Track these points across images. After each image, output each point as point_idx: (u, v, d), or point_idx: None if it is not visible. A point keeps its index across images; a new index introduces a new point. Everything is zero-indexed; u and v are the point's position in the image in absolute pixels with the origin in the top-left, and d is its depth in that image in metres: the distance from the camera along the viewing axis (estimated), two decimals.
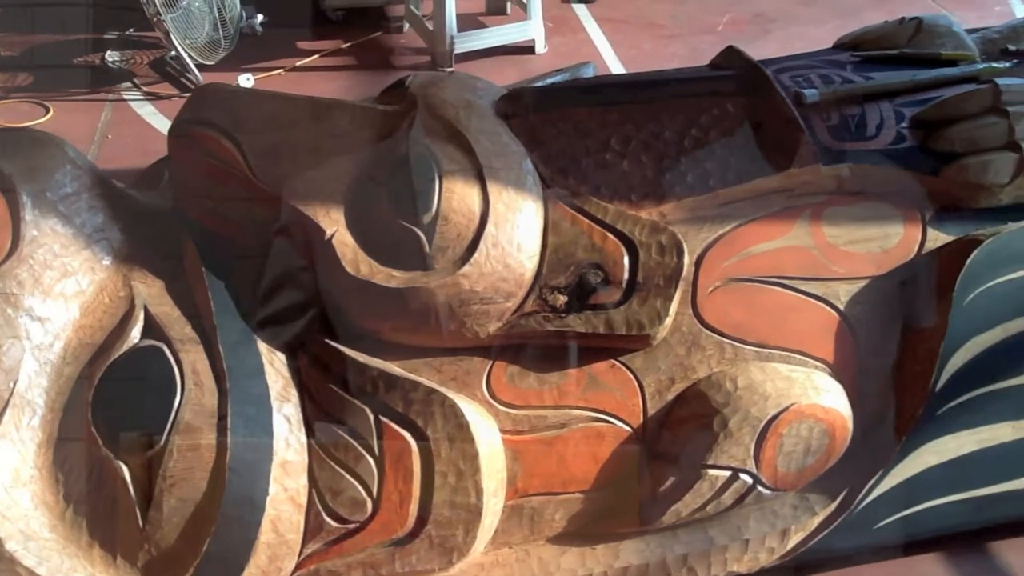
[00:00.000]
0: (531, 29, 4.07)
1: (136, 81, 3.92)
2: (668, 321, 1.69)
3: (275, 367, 1.68)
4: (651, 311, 1.68)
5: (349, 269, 1.66)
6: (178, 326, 1.68)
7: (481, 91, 1.88)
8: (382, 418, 1.63)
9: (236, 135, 1.75)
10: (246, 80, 3.88)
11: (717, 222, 1.79)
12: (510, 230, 1.68)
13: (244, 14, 4.23)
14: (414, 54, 4.16)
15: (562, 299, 1.70)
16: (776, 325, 1.76)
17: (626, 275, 1.70)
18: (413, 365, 1.71)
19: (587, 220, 1.73)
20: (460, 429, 1.62)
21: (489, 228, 1.66)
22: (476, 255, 1.65)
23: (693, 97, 1.90)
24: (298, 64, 4.09)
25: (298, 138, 1.78)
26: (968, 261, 1.71)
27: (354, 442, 1.63)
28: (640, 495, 1.74)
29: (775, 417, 1.69)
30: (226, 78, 3.91)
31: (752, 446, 1.69)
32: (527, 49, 4.14)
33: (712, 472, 1.70)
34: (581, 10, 4.59)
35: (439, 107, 1.78)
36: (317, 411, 1.66)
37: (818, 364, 1.77)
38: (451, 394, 1.64)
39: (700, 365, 1.74)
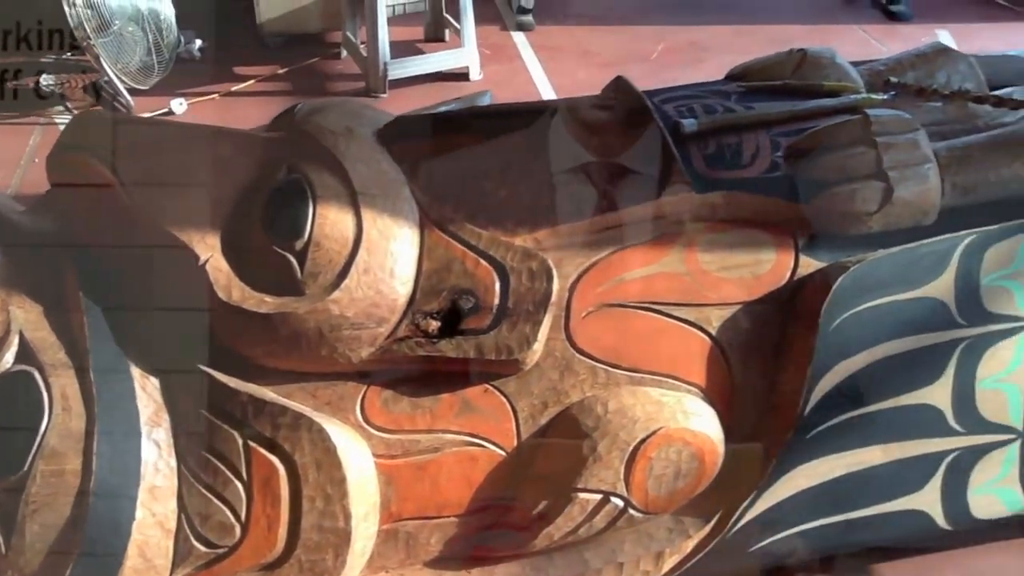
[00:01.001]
0: (465, 56, 4.12)
1: (69, 105, 3.92)
2: (537, 346, 1.71)
3: (147, 392, 1.69)
4: (520, 336, 1.70)
5: (221, 294, 1.67)
6: (52, 351, 1.69)
7: (366, 118, 1.91)
8: (251, 443, 1.64)
9: (113, 161, 1.77)
10: (179, 105, 3.90)
11: (592, 249, 1.82)
12: (382, 256, 1.70)
13: (182, 39, 4.25)
14: (350, 80, 4.20)
15: (434, 324, 1.72)
16: (649, 350, 1.79)
17: (497, 300, 1.73)
18: (288, 390, 1.73)
19: (461, 247, 1.76)
20: (328, 454, 1.63)
21: (361, 254, 1.69)
22: (347, 281, 1.67)
23: (573, 126, 1.93)
24: (233, 89, 4.11)
25: (176, 165, 1.80)
26: (834, 287, 1.75)
27: (223, 467, 1.64)
28: (514, 519, 1.76)
29: (643, 441, 1.71)
30: (159, 103, 3.93)
31: (622, 469, 1.72)
32: (462, 76, 4.18)
33: (583, 496, 1.72)
34: (520, 38, 4.65)
35: (319, 134, 1.81)
36: (188, 436, 1.67)
37: (690, 388, 1.80)
38: (319, 419, 1.65)
39: (573, 389, 1.77)
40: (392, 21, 4.61)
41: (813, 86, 2.12)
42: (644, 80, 2.20)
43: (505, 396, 1.75)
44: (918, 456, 1.86)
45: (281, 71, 4.26)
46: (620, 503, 1.73)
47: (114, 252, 1.82)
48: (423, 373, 1.75)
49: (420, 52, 4.36)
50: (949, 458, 1.87)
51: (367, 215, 1.71)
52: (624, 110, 1.98)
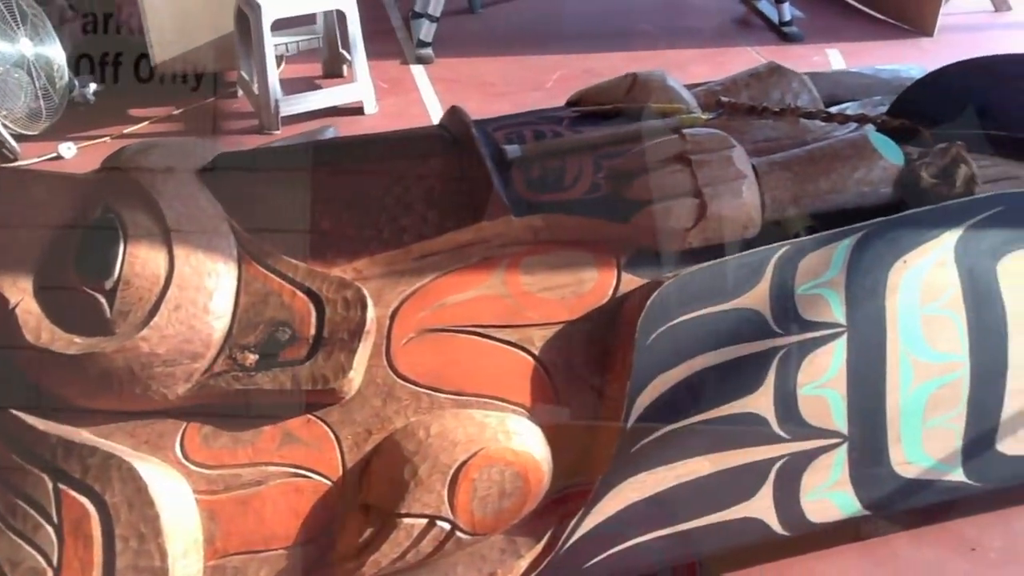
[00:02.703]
0: (358, 91, 4.16)
1: None
2: (353, 374, 1.72)
3: None
4: (335, 365, 1.72)
5: (29, 337, 1.67)
6: None
7: (193, 156, 1.93)
8: (60, 485, 1.63)
9: None
10: (67, 149, 3.88)
11: (414, 276, 1.85)
12: (195, 292, 1.71)
13: (76, 83, 4.24)
14: (243, 119, 4.21)
15: (251, 357, 1.73)
16: (472, 372, 1.82)
17: (313, 331, 1.74)
18: (106, 430, 1.72)
19: (279, 279, 1.78)
20: (139, 492, 1.63)
21: (172, 291, 1.70)
22: (156, 318, 1.68)
23: (400, 157, 1.97)
24: (126, 131, 4.10)
25: None
26: (648, 302, 1.78)
27: (32, 511, 1.63)
28: (342, 547, 1.76)
29: (465, 462, 1.73)
30: (47, 148, 3.92)
31: (445, 492, 1.73)
32: (357, 110, 4.22)
33: (407, 521, 1.72)
34: (418, 71, 4.70)
35: (138, 173, 1.82)
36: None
37: (516, 408, 1.82)
38: (130, 457, 1.65)
39: (397, 416, 1.78)
40: (289, 59, 4.68)
41: (642, 108, 2.17)
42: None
43: (328, 425, 1.76)
44: (747, 464, 1.89)
45: (176, 112, 4.27)
46: (446, 526, 1.74)
47: None
48: (243, 407, 1.75)
49: (318, 88, 4.38)
50: (778, 465, 1.90)
51: (180, 252, 1.72)
52: (453, 138, 2.02)
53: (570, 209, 1.92)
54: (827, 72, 2.63)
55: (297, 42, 4.31)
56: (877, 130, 2.23)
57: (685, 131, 1.97)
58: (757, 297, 1.84)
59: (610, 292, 1.89)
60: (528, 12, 5.50)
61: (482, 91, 4.49)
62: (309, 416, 1.76)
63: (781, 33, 5.08)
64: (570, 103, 2.32)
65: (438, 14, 4.75)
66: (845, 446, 1.93)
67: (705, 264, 1.84)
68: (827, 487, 1.95)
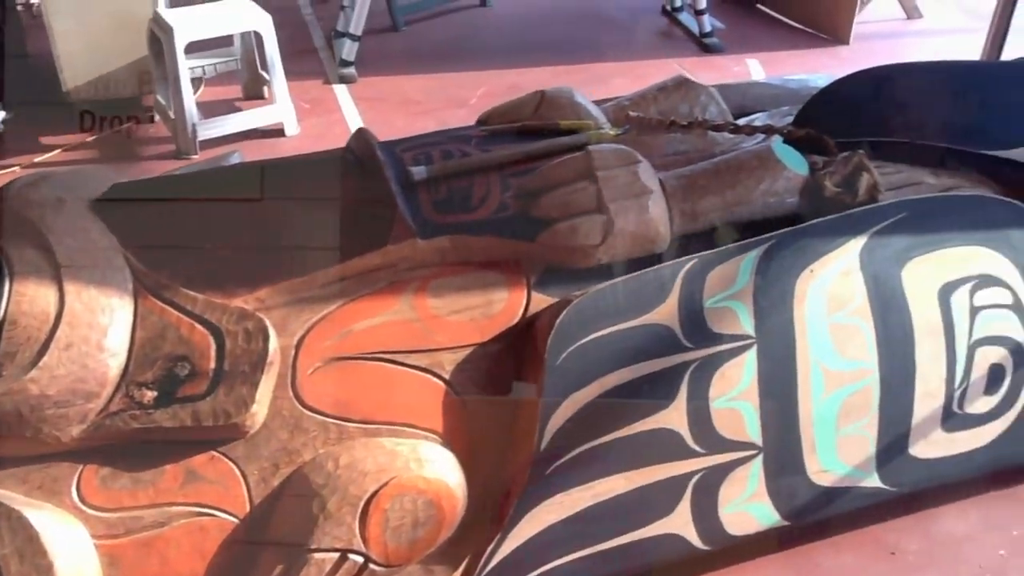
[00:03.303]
0: (278, 112, 4.09)
1: None
2: (256, 408, 1.68)
3: None
4: (237, 399, 1.67)
5: None
6: None
7: (85, 188, 1.87)
8: None
9: None
10: None
11: (319, 303, 1.81)
12: (87, 330, 1.65)
13: None
14: (161, 143, 4.11)
15: (149, 395, 1.68)
16: (381, 400, 1.78)
17: (213, 365, 1.69)
18: None
19: (176, 312, 1.73)
20: (30, 541, 1.56)
21: (62, 329, 1.64)
22: (46, 358, 1.62)
23: (304, 182, 1.93)
24: (36, 160, 3.98)
25: None
26: (557, 322, 1.77)
27: None
28: None
29: (375, 493, 1.69)
30: None
31: (356, 525, 1.69)
32: (278, 132, 4.15)
33: (318, 555, 1.68)
34: (341, 90, 4.65)
35: (25, 208, 1.76)
36: None
37: (428, 435, 1.79)
38: (19, 505, 1.58)
39: (305, 448, 1.74)
40: (209, 81, 4.60)
41: (550, 125, 2.16)
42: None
43: (233, 461, 1.72)
44: (663, 480, 1.88)
45: (91, 138, 4.16)
46: (359, 559, 1.70)
47: None
48: (143, 446, 1.69)
49: (238, 110, 4.31)
50: (694, 479, 1.90)
51: (71, 288, 1.66)
52: (358, 161, 1.99)
53: (477, 229, 1.90)
54: (736, 83, 2.65)
55: (214, 64, 4.23)
56: (784, 141, 2.25)
57: (591, 147, 1.96)
58: (666, 312, 1.84)
59: (520, 312, 1.87)
60: (452, 29, 5.49)
61: (406, 109, 4.46)
62: (213, 452, 1.71)
63: (702, 45, 5.13)
64: (480, 122, 2.31)
65: (360, 33, 4.71)
66: (760, 457, 1.93)
67: (613, 281, 1.83)
68: (745, 499, 1.95)
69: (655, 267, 1.86)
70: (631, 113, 2.24)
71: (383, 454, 1.73)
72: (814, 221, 1.96)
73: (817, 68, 4.73)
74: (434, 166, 1.96)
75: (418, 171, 1.95)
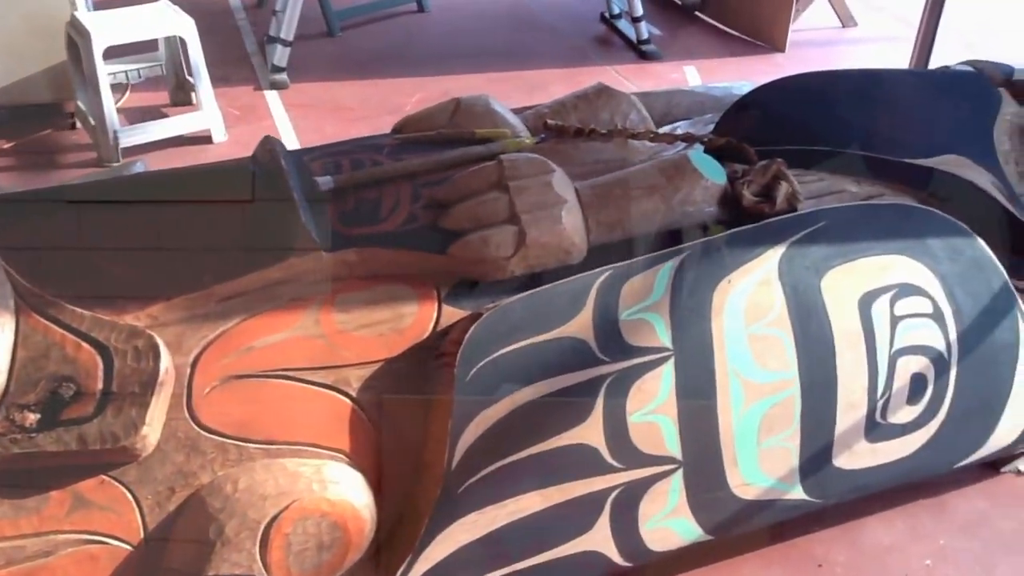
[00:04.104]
0: (205, 119, 3.99)
1: None
2: (147, 430, 1.59)
3: None
4: (126, 421, 1.58)
5: None
6: None
7: None
8: None
9: None
10: None
11: (218, 319, 1.73)
12: None
13: None
14: (82, 151, 3.98)
15: (32, 417, 1.58)
16: (283, 420, 1.71)
17: (100, 385, 1.60)
18: None
19: (61, 331, 1.63)
20: None
21: None
22: None
23: (205, 192, 1.85)
24: None
25: None
26: (466, 336, 1.71)
27: None
28: None
29: (276, 517, 1.62)
30: None
31: (256, 550, 1.61)
32: (205, 139, 4.04)
33: None
34: (272, 96, 4.56)
35: None
36: None
37: (334, 454, 1.72)
38: None
39: (202, 471, 1.66)
40: (136, 87, 4.48)
41: (465, 134, 2.11)
42: None
43: (124, 486, 1.63)
44: (581, 497, 1.83)
45: (7, 146, 4.01)
46: None
47: None
48: (26, 472, 1.59)
49: (164, 117, 4.19)
50: (613, 495, 1.85)
51: None
52: (263, 170, 1.91)
53: (386, 241, 1.83)
54: (660, 91, 2.62)
55: (138, 69, 4.11)
56: (704, 149, 2.22)
57: (503, 157, 1.91)
58: (580, 325, 1.79)
59: (431, 326, 1.81)
60: (388, 35, 5.41)
61: (338, 115, 4.37)
62: (103, 477, 1.62)
63: (640, 52, 5.12)
64: (395, 130, 2.24)
65: (291, 38, 4.61)
66: (681, 472, 1.89)
67: (525, 294, 1.78)
68: (666, 514, 1.91)
69: (569, 279, 1.81)
70: (549, 121, 2.19)
71: (285, 476, 1.65)
72: (732, 231, 1.93)
73: (753, 75, 4.74)
74: (341, 176, 1.89)
75: (324, 181, 1.88)
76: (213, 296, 1.73)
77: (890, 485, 2.14)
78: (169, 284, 1.73)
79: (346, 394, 1.74)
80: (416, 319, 1.80)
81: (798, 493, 2.01)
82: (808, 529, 2.21)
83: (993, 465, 2.34)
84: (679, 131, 2.34)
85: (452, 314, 1.82)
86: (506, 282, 1.86)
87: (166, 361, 1.62)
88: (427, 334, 1.80)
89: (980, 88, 2.54)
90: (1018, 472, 2.36)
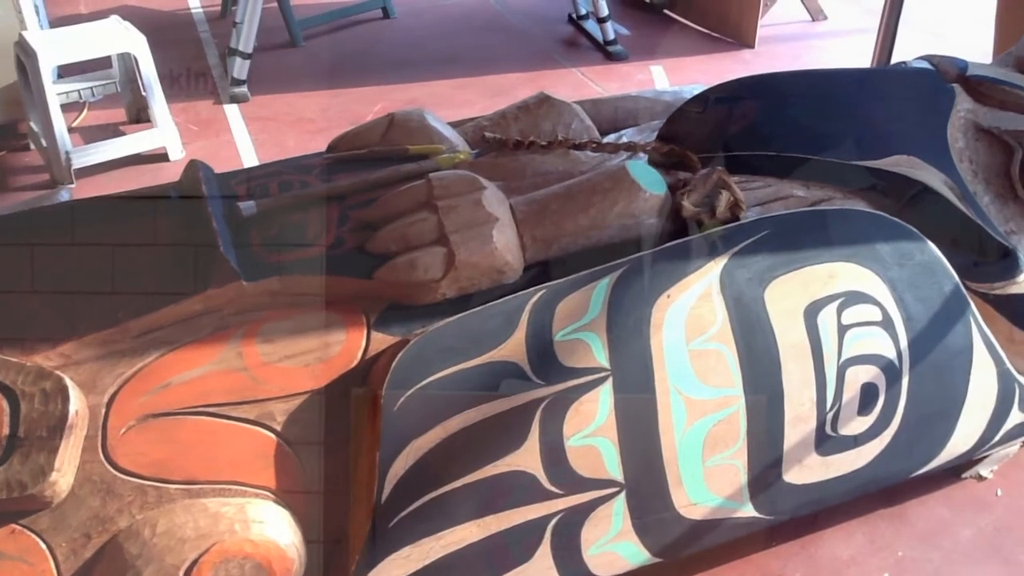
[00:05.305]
0: (160, 136, 3.92)
1: None
2: (56, 476, 1.53)
3: None
4: (34, 468, 1.52)
5: None
6: None
7: None
8: None
9: None
10: None
11: (134, 356, 1.67)
12: None
13: None
14: (35, 172, 3.91)
15: None
16: (204, 458, 1.65)
17: (6, 431, 1.54)
18: None
19: None
20: None
21: None
22: None
23: (122, 222, 1.79)
24: None
25: None
26: (393, 364, 1.65)
27: None
28: None
29: (196, 561, 1.56)
30: None
31: None
32: (162, 156, 3.98)
33: None
34: (232, 110, 4.49)
35: None
36: None
37: (258, 492, 1.66)
38: None
39: (120, 515, 1.60)
40: (94, 105, 4.41)
41: (398, 151, 2.05)
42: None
43: (37, 534, 1.57)
44: (520, 525, 1.77)
45: None
46: None
47: None
48: None
49: (122, 135, 4.12)
50: (553, 522, 1.79)
51: None
52: (184, 197, 1.85)
53: (311, 267, 1.78)
54: (608, 97, 2.56)
55: (91, 88, 4.04)
56: (650, 158, 2.17)
57: (432, 175, 1.85)
58: (513, 347, 1.74)
59: (359, 354, 1.75)
60: (353, 43, 5.35)
61: (299, 128, 4.31)
62: (13, 526, 1.56)
63: (606, 52, 5.07)
64: (329, 148, 2.18)
65: (250, 50, 4.55)
66: (623, 494, 1.83)
67: (454, 317, 1.72)
68: (610, 538, 1.85)
69: (501, 300, 1.76)
70: (487, 134, 2.13)
71: (205, 517, 1.59)
72: (670, 243, 1.88)
73: (722, 72, 4.70)
74: (263, 200, 1.83)
75: (247, 206, 1.82)
76: (129, 331, 1.67)
77: (846, 498, 2.08)
78: (82, 320, 1.67)
79: (270, 428, 1.68)
80: (344, 347, 1.74)
81: (748, 511, 1.95)
82: (765, 544, 2.16)
83: (954, 471, 2.30)
84: (624, 139, 2.28)
85: (382, 340, 1.76)
86: (439, 305, 1.81)
87: (76, 403, 1.56)
88: (356, 362, 1.74)
89: (934, 85, 2.48)
90: (979, 477, 2.31)
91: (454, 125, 2.25)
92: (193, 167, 1.92)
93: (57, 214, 1.79)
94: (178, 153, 4.00)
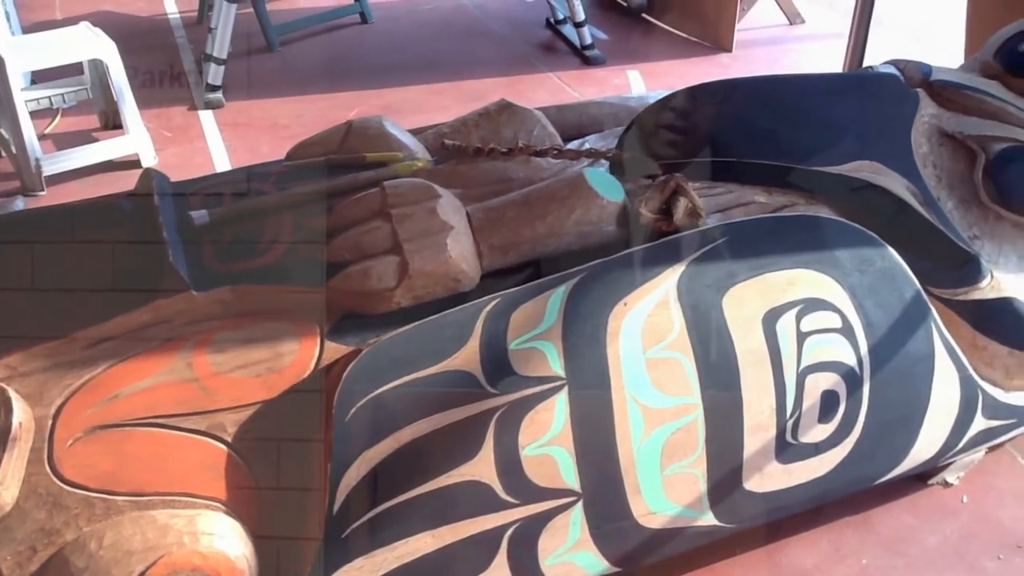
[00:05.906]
0: (132, 143, 3.90)
1: None
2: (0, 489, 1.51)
3: None
4: None
5: None
6: None
7: None
8: None
9: None
10: None
11: (82, 367, 1.65)
12: None
13: None
14: (6, 180, 3.89)
15: None
16: (153, 470, 1.63)
17: None
18: None
19: None
20: None
21: None
22: None
23: (72, 231, 1.77)
24: None
25: None
26: (344, 374, 1.64)
27: None
28: None
29: (143, 574, 1.54)
30: None
31: None
32: (135, 163, 3.96)
33: None
34: (207, 116, 4.47)
35: None
36: None
37: (209, 503, 1.65)
38: None
39: (66, 527, 1.58)
40: (68, 111, 4.39)
41: (356, 159, 2.03)
42: None
43: None
44: (474, 535, 1.76)
45: None
46: None
47: None
48: None
49: (94, 141, 4.10)
50: (509, 532, 1.78)
51: None
52: (136, 206, 1.83)
53: (263, 277, 1.76)
54: (574, 103, 2.55)
55: (63, 94, 4.02)
56: (610, 165, 2.16)
57: (386, 184, 1.84)
58: (467, 356, 1.72)
59: (312, 364, 1.74)
60: (330, 48, 5.34)
61: (273, 133, 4.30)
62: None
63: (584, 57, 5.07)
64: (288, 156, 2.16)
65: (224, 56, 4.53)
66: (580, 504, 1.82)
67: (408, 326, 1.71)
68: (567, 548, 1.84)
69: (455, 309, 1.74)
70: (447, 141, 2.12)
71: (153, 529, 1.58)
72: (627, 251, 1.87)
73: (699, 76, 4.66)
74: (216, 210, 1.82)
75: (199, 215, 1.80)
76: (78, 342, 1.65)
77: (809, 505, 2.08)
78: (29, 331, 1.65)
79: (221, 439, 1.66)
80: (297, 357, 1.73)
81: (708, 519, 1.94)
82: (729, 552, 2.15)
83: (920, 478, 2.29)
84: (586, 146, 2.27)
85: (336, 350, 1.75)
86: (394, 314, 1.79)
87: (21, 415, 1.54)
88: (308, 373, 1.73)
89: (898, 90, 2.48)
90: (945, 484, 2.31)
91: (415, 132, 2.24)
92: (147, 176, 1.90)
93: (6, 225, 1.77)
94: (150, 160, 3.99)
